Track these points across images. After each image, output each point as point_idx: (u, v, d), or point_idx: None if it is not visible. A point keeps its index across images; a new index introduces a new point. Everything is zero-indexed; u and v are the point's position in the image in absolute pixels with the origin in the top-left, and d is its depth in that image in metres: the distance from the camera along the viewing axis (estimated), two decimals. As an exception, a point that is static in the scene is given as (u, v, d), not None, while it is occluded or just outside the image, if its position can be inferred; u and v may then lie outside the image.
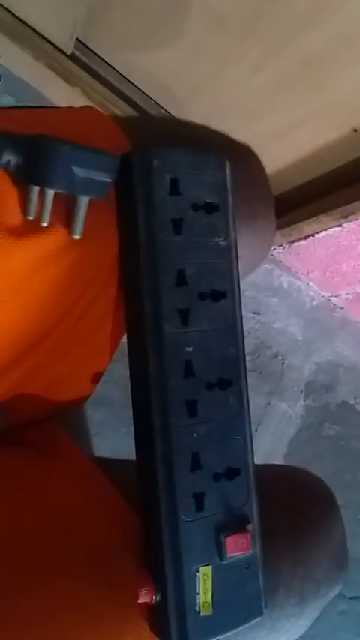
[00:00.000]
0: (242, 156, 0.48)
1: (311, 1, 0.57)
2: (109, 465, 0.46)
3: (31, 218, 0.36)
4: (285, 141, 0.79)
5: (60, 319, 0.40)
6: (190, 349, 0.40)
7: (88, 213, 0.37)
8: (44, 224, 0.36)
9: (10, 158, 0.34)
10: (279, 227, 0.91)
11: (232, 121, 0.79)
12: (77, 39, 0.79)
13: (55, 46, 0.79)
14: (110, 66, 0.81)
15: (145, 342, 0.39)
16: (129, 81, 0.82)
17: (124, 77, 0.82)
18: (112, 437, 0.97)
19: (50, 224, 0.36)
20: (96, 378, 0.47)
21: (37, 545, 0.38)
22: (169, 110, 0.84)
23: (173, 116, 0.49)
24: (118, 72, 0.82)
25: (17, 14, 0.77)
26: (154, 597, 0.38)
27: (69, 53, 0.79)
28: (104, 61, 0.81)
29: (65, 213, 0.37)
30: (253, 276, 1.05)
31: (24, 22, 0.78)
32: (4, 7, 0.77)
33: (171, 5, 0.69)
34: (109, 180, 0.36)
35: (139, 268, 0.39)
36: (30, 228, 0.36)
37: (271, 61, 0.69)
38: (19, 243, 0.36)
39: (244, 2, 0.62)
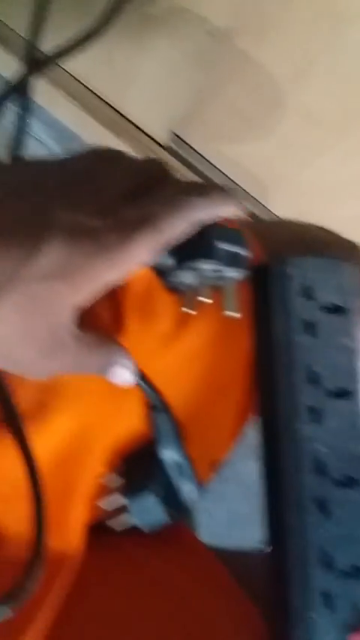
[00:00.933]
0: (351, 249, 0.51)
1: None
2: (222, 553, 0.47)
3: (193, 312, 0.38)
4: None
5: (195, 413, 0.43)
6: (320, 447, 0.42)
7: (223, 320, 0.40)
8: (208, 300, 0.38)
9: (167, 258, 0.35)
10: None
11: (317, 205, 0.83)
12: (174, 132, 0.86)
13: (153, 139, 0.86)
14: (202, 156, 0.87)
15: (279, 439, 0.41)
16: (218, 169, 0.88)
17: (213, 166, 0.88)
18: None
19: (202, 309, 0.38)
20: (214, 465, 0.49)
21: (160, 634, 0.39)
22: (254, 196, 0.89)
23: (288, 220, 0.53)
24: (208, 161, 0.88)
25: (120, 111, 0.85)
26: None
27: (166, 146, 0.86)
28: (197, 151, 0.87)
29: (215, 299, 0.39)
30: None
31: (126, 118, 0.85)
32: (109, 105, 0.84)
33: (265, 106, 0.75)
34: (247, 254, 0.37)
35: (274, 367, 0.41)
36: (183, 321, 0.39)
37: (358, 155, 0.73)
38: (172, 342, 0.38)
39: (336, 101, 0.67)
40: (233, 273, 0.37)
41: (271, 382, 0.42)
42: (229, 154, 0.86)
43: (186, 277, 0.37)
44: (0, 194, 0.29)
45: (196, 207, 0.31)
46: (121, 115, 0.85)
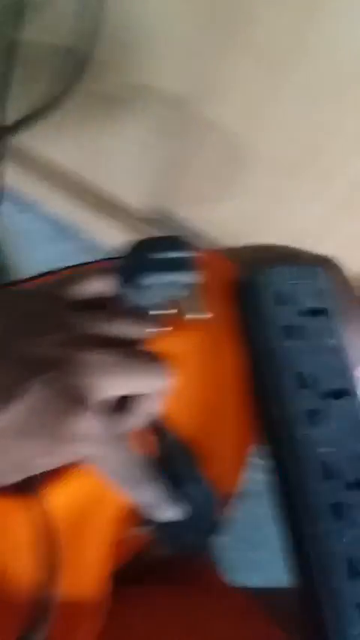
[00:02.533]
0: (328, 266, 0.53)
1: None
2: (261, 596, 0.45)
3: (156, 330, 0.38)
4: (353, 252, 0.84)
5: (202, 434, 0.43)
6: (323, 450, 0.41)
7: (207, 335, 0.41)
8: (161, 310, 0.39)
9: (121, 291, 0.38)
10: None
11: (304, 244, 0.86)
12: (158, 206, 0.92)
13: (137, 213, 0.92)
14: (188, 222, 0.93)
15: (281, 448, 0.41)
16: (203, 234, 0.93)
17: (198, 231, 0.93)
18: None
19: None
20: (224, 500, 0.47)
21: None
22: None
23: (257, 244, 0.56)
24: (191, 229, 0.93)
25: (101, 189, 0.92)
26: None
27: (149, 219, 0.92)
28: (172, 219, 0.93)
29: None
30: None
31: (111, 199, 0.92)
32: (93, 188, 0.91)
33: (234, 161, 0.80)
34: (189, 255, 0.38)
35: (264, 377, 0.42)
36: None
37: (323, 189, 0.77)
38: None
39: (293, 143, 0.72)
40: (183, 278, 0.39)
41: (264, 393, 0.42)
42: (211, 216, 0.91)
43: (141, 298, 0.39)
44: None
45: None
46: (105, 195, 0.92)
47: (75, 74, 0.57)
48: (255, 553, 1.03)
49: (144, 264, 0.37)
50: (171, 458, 0.40)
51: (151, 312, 0.39)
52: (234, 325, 0.44)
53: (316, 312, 0.44)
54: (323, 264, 0.53)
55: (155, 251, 0.38)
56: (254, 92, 0.68)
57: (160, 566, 0.47)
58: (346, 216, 0.80)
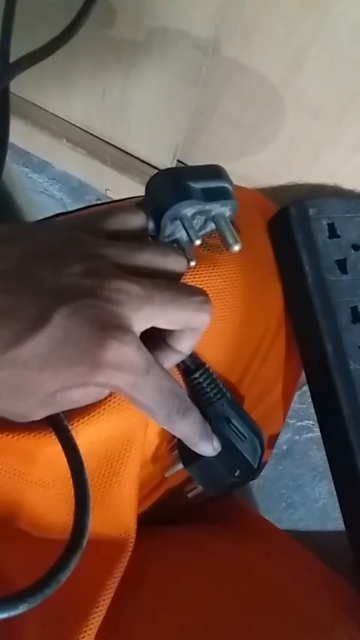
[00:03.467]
0: None
1: None
2: (301, 537, 0.44)
3: (193, 263, 0.36)
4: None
5: (239, 378, 0.41)
6: (379, 387, 0.39)
7: (247, 275, 0.39)
8: (197, 242, 0.36)
9: (149, 224, 0.35)
10: None
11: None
12: (178, 159, 0.89)
13: (160, 169, 0.89)
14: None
15: (334, 384, 0.39)
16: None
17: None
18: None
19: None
20: (271, 440, 0.46)
21: (252, 624, 0.36)
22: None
23: (306, 182, 0.53)
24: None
25: (124, 149, 0.89)
26: None
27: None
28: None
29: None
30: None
31: (130, 154, 0.89)
32: (111, 145, 0.88)
33: (265, 110, 0.77)
34: (225, 184, 0.37)
35: (314, 310, 0.40)
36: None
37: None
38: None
39: (333, 90, 0.69)
40: (220, 209, 0.37)
41: (312, 329, 0.40)
42: (238, 170, 0.88)
43: (176, 231, 0.37)
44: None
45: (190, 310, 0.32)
46: (125, 152, 0.89)
47: (82, 12, 0.54)
48: (291, 513, 1.03)
49: (180, 193, 0.35)
50: (208, 394, 0.38)
51: (186, 245, 0.37)
52: (275, 261, 0.42)
53: (370, 247, 0.42)
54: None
55: (191, 180, 0.36)
56: (293, 31, 0.65)
57: (198, 509, 0.47)
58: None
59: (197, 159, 0.89)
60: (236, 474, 0.39)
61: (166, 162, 0.88)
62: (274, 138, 0.80)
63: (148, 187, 0.36)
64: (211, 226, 0.38)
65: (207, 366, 0.39)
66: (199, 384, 0.38)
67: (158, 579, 0.38)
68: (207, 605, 0.36)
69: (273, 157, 0.83)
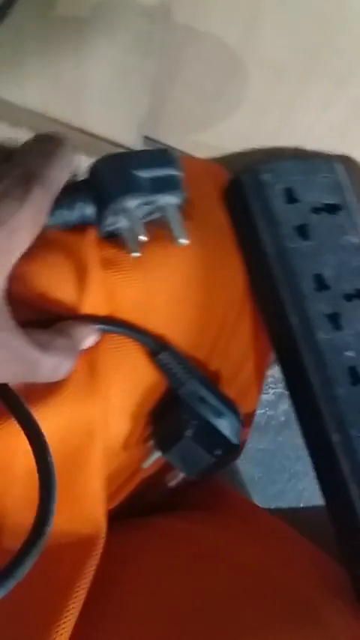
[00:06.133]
0: (343, 162, 0.49)
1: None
2: (286, 516, 0.44)
3: (137, 255, 0.36)
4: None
5: (208, 356, 0.41)
6: (350, 353, 0.38)
7: (204, 251, 0.38)
8: (142, 238, 0.36)
9: (85, 209, 0.34)
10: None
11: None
12: (145, 136, 0.87)
13: (126, 148, 0.88)
14: (178, 150, 0.88)
15: (301, 356, 0.38)
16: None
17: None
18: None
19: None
20: (247, 419, 0.46)
21: (237, 606, 0.36)
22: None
23: (265, 147, 0.52)
24: (188, 154, 0.89)
25: (87, 130, 0.87)
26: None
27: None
28: (172, 147, 0.88)
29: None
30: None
31: (95, 136, 0.87)
32: (74, 128, 0.87)
33: (227, 75, 0.75)
34: (176, 172, 0.35)
35: (275, 281, 0.39)
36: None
37: (338, 96, 0.72)
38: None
39: (298, 44, 0.67)
40: (167, 199, 0.35)
41: (275, 301, 0.39)
42: (207, 140, 0.87)
43: (119, 221, 0.35)
44: None
45: (64, 153, 0.31)
46: (89, 133, 0.87)
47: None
48: (295, 483, 1.04)
49: (125, 184, 0.34)
50: (177, 375, 0.38)
51: (130, 237, 0.36)
52: (234, 233, 0.41)
53: (333, 208, 0.41)
54: (342, 162, 0.50)
55: (138, 168, 0.35)
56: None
57: (181, 495, 0.46)
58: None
59: (164, 133, 0.88)
60: (217, 452, 0.39)
61: (132, 139, 0.87)
62: (239, 103, 0.78)
63: (92, 173, 0.35)
64: (158, 215, 0.37)
65: (172, 346, 0.38)
66: (166, 366, 0.38)
67: (140, 575, 0.37)
68: (192, 597, 0.36)
69: (241, 123, 0.81)
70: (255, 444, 0.95)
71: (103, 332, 0.36)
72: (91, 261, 0.36)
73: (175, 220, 0.36)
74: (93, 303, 0.35)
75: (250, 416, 0.46)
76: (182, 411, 0.38)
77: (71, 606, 0.32)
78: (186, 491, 0.46)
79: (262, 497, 0.94)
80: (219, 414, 0.38)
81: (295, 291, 0.39)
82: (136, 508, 0.43)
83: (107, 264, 0.37)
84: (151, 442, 0.40)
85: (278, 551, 0.40)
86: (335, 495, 0.37)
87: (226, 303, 0.41)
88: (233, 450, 0.39)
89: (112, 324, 0.35)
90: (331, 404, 0.37)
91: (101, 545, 0.36)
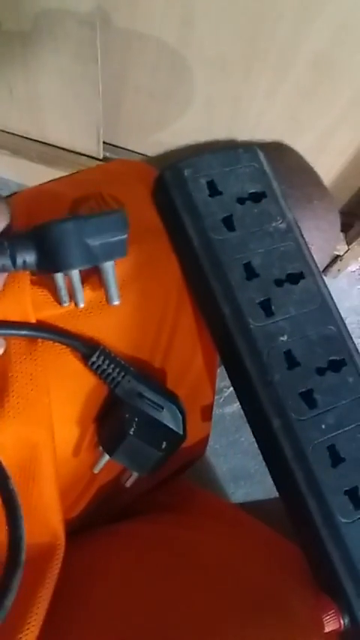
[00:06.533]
0: (275, 148, 0.50)
1: (296, 3, 0.60)
2: (251, 507, 0.44)
3: (67, 304, 0.37)
4: (328, 150, 0.80)
5: (150, 355, 0.41)
6: (284, 338, 0.39)
7: (136, 250, 0.39)
8: (81, 305, 0.37)
9: (25, 258, 0.34)
10: None
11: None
12: (104, 142, 0.88)
13: (88, 156, 0.88)
14: (139, 153, 0.89)
15: (236, 345, 0.39)
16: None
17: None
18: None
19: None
20: (205, 413, 0.46)
21: (207, 606, 0.36)
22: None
23: (196, 142, 0.52)
24: (147, 155, 0.89)
25: (47, 141, 0.88)
26: (342, 622, 0.34)
27: (101, 157, 0.88)
28: (132, 151, 0.89)
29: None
30: (351, 300, 1.02)
31: (55, 146, 0.88)
32: (33, 140, 0.88)
33: (173, 74, 0.76)
34: (124, 236, 0.37)
35: (205, 274, 0.40)
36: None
37: (281, 81, 0.72)
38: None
39: (235, 36, 0.67)
40: (109, 261, 0.37)
41: (207, 294, 0.40)
42: (164, 139, 0.87)
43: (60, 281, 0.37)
44: None
45: None
46: (48, 144, 0.88)
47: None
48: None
49: (76, 254, 0.35)
50: (112, 375, 0.38)
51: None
52: (165, 231, 0.41)
53: (259, 197, 0.41)
54: (269, 148, 0.50)
55: (90, 235, 0.35)
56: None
57: (147, 497, 0.47)
58: (310, 107, 0.75)
59: (123, 137, 0.88)
60: (163, 446, 0.39)
61: (91, 146, 0.88)
62: (189, 100, 0.79)
63: (44, 230, 0.35)
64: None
65: (102, 347, 0.38)
66: (99, 367, 0.38)
67: (108, 580, 0.38)
68: (160, 599, 0.36)
69: (194, 120, 0.82)
70: (248, 437, 0.95)
71: (32, 338, 0.36)
72: (22, 276, 0.36)
73: (113, 283, 0.38)
74: (20, 311, 0.36)
75: (208, 409, 0.46)
76: (123, 410, 0.38)
77: (34, 615, 0.32)
78: (153, 494, 0.46)
79: (261, 489, 0.94)
80: (160, 407, 0.39)
81: (224, 282, 0.39)
82: (104, 515, 0.44)
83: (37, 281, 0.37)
84: (101, 447, 0.40)
85: (242, 544, 0.40)
86: (283, 482, 0.38)
87: (162, 299, 0.41)
88: (179, 440, 0.39)
89: (39, 330, 0.36)
90: (269, 390, 0.38)
91: (61, 552, 0.36)
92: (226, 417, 0.96)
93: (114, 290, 0.38)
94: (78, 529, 0.42)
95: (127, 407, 0.38)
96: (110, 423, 0.39)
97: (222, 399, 0.95)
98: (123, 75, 0.78)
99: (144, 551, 0.39)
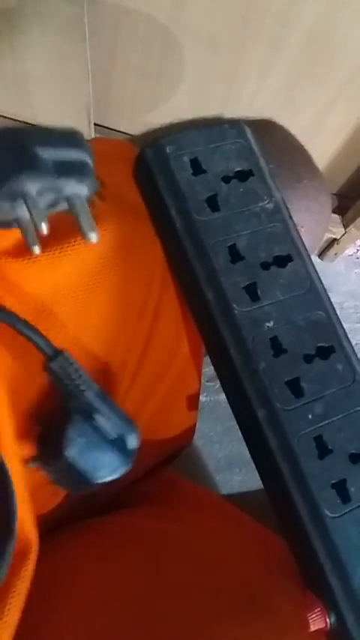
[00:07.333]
0: (264, 126, 0.47)
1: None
2: (239, 499, 0.42)
3: (37, 251, 0.31)
4: (324, 131, 0.77)
5: (130, 342, 0.39)
6: (270, 324, 0.37)
7: (118, 231, 0.36)
8: (44, 229, 0.30)
9: None
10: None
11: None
12: (95, 123, 0.85)
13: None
14: (131, 135, 0.86)
15: (220, 332, 0.36)
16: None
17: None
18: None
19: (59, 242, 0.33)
20: (191, 402, 0.44)
21: (187, 601, 0.34)
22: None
23: (182, 120, 0.50)
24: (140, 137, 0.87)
25: (36, 122, 0.85)
26: (328, 620, 0.32)
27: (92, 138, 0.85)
28: (124, 132, 0.86)
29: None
30: (348, 284, 1.00)
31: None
32: (22, 122, 0.85)
33: (164, 52, 0.73)
34: (88, 159, 0.31)
35: (188, 257, 0.37)
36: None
37: (275, 59, 0.70)
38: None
39: (227, 13, 0.65)
40: (75, 187, 0.30)
41: (190, 278, 0.37)
42: (156, 120, 0.85)
43: (18, 208, 0.30)
44: None
45: None
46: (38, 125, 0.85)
47: None
48: None
49: (23, 162, 0.29)
50: (68, 387, 0.34)
51: (28, 229, 0.31)
52: (147, 209, 0.39)
53: (245, 175, 0.39)
54: (258, 127, 0.48)
55: (41, 146, 0.30)
56: None
57: (131, 490, 0.45)
58: (305, 85, 0.73)
59: (113, 118, 0.86)
60: (100, 474, 0.33)
61: (82, 127, 0.85)
62: (181, 79, 0.76)
63: None
64: (64, 206, 0.33)
65: (65, 353, 0.33)
66: (59, 375, 0.33)
67: (90, 574, 0.36)
68: (142, 593, 0.34)
69: (186, 99, 0.79)
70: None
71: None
72: None
73: (84, 212, 0.31)
74: None
75: (194, 398, 0.44)
76: (68, 426, 0.32)
77: (7, 609, 0.31)
78: (136, 486, 0.45)
79: (257, 477, 0.93)
80: (109, 434, 0.33)
81: (208, 265, 0.37)
82: (85, 511, 0.42)
83: (7, 255, 0.34)
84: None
85: (226, 537, 0.38)
86: (268, 475, 0.36)
87: (144, 285, 0.39)
88: (124, 466, 0.34)
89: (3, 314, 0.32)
90: (254, 379, 0.36)
91: (35, 546, 0.34)
92: (221, 404, 0.94)
93: (86, 221, 0.30)
94: (55, 527, 0.41)
95: (74, 424, 0.33)
96: (50, 432, 0.34)
97: (216, 386, 0.93)
98: (112, 54, 0.75)
99: (113, 545, 0.38)
